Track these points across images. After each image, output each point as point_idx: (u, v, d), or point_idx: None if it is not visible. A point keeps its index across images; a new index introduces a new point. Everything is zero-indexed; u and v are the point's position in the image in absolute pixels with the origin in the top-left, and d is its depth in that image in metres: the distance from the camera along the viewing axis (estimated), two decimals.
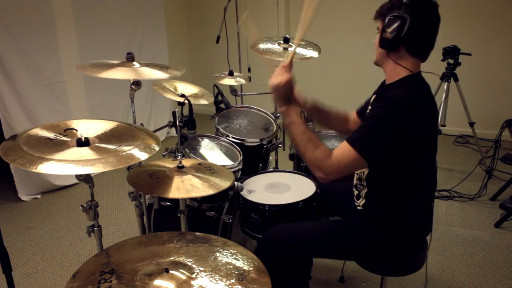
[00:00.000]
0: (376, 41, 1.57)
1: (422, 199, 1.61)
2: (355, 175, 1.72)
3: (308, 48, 2.67)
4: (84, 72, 1.74)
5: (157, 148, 1.45)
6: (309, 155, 1.51)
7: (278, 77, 1.57)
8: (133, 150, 1.40)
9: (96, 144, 1.41)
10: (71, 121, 1.52)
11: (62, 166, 1.26)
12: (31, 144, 1.33)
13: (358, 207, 1.68)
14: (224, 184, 1.61)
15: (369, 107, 1.63)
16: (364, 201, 1.64)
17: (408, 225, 1.60)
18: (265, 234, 1.72)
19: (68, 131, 1.46)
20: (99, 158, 1.32)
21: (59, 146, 1.36)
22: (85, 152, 1.35)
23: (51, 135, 1.42)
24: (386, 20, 1.48)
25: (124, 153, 1.37)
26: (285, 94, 1.58)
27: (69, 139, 1.41)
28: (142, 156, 1.38)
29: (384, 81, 1.65)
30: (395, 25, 1.46)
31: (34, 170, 1.22)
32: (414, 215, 1.61)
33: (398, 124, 1.42)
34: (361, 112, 1.82)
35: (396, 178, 1.55)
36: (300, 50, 2.64)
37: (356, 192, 1.70)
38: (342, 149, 1.47)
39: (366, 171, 1.61)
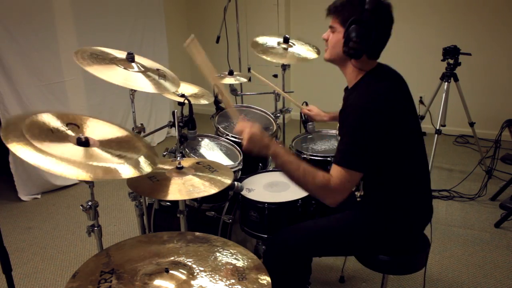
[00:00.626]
0: (332, 40, 1.55)
1: (417, 187, 1.64)
2: None
3: (306, 49, 2.67)
4: (78, 61, 1.68)
5: (147, 171, 1.38)
6: (312, 188, 1.49)
7: (247, 131, 1.52)
8: (122, 165, 1.33)
9: (95, 147, 1.38)
10: (84, 117, 1.50)
11: (46, 160, 1.21)
12: (34, 132, 1.29)
13: (358, 199, 1.72)
14: (225, 181, 1.61)
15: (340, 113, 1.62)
16: (362, 192, 1.68)
17: (406, 213, 1.62)
18: (272, 239, 1.73)
19: (74, 126, 1.44)
20: (87, 164, 1.28)
21: (59, 139, 1.34)
22: (80, 153, 1.32)
23: (57, 124, 1.39)
24: (351, 27, 1.45)
25: (111, 165, 1.31)
26: (263, 140, 1.51)
27: (72, 134, 1.39)
28: (128, 173, 1.32)
29: (347, 87, 1.67)
30: (361, 35, 1.44)
31: (26, 160, 1.18)
32: (410, 204, 1.62)
33: (371, 130, 1.44)
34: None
35: (387, 171, 1.57)
36: (299, 51, 2.65)
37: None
38: (336, 172, 1.47)
39: None
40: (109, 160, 1.34)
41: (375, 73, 1.55)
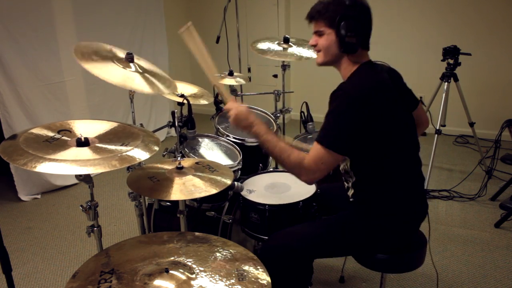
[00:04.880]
0: (324, 44, 1.58)
1: (408, 183, 1.65)
2: (341, 170, 1.74)
3: (307, 48, 2.67)
4: (77, 57, 1.66)
5: (156, 149, 1.45)
6: (287, 164, 1.56)
7: (234, 110, 1.65)
8: (133, 151, 1.40)
9: (96, 144, 1.41)
10: (71, 121, 1.52)
11: (62, 166, 1.26)
12: (30, 144, 1.33)
13: (351, 199, 1.71)
14: (225, 181, 1.61)
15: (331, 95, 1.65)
16: (352, 191, 1.68)
17: (398, 210, 1.62)
18: (265, 243, 1.73)
19: (67, 132, 1.46)
20: (98, 159, 1.32)
21: (59, 146, 1.36)
22: (85, 152, 1.35)
23: (51, 134, 1.42)
24: (342, 24, 1.50)
25: (124, 153, 1.37)
26: (248, 119, 1.63)
27: (68, 139, 1.41)
28: (143, 156, 1.38)
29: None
30: (354, 28, 1.50)
31: (34, 170, 1.22)
32: (402, 199, 1.63)
33: (356, 116, 1.47)
34: None
35: (377, 163, 1.58)
36: (299, 50, 2.65)
37: (346, 185, 1.74)
38: (314, 150, 1.52)
39: (348, 162, 1.65)
40: (117, 151, 1.38)
41: (369, 65, 1.60)
